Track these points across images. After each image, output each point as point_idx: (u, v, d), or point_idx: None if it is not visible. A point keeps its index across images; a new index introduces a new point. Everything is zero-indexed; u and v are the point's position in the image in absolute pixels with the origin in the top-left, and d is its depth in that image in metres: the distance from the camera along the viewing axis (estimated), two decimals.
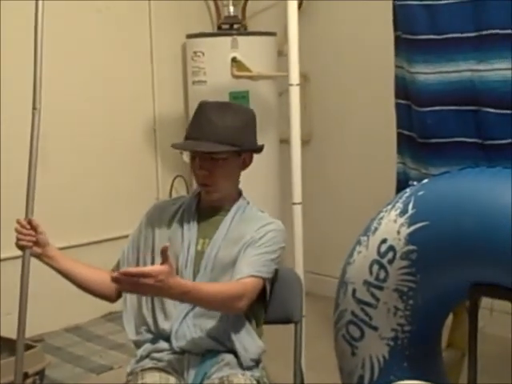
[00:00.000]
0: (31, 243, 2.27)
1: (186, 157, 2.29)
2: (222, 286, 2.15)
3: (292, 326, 2.38)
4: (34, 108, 2.45)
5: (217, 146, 2.18)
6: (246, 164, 2.30)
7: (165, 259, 1.94)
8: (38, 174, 4.31)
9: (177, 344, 2.20)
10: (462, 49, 2.54)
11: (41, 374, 3.36)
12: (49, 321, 4.03)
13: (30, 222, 2.28)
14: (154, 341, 2.25)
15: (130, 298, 2.31)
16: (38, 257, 2.30)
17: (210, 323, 2.21)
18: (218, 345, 2.21)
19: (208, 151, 2.19)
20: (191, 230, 2.27)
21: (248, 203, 2.34)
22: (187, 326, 2.21)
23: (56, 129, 4.06)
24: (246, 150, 2.26)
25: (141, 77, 4.53)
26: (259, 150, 2.32)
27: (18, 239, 2.28)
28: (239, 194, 2.35)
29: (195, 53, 4.41)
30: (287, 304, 2.38)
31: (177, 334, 2.20)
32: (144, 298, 2.28)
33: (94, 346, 3.94)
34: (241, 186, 2.36)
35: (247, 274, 2.15)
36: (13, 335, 3.35)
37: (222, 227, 2.25)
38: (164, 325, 2.23)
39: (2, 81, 3.85)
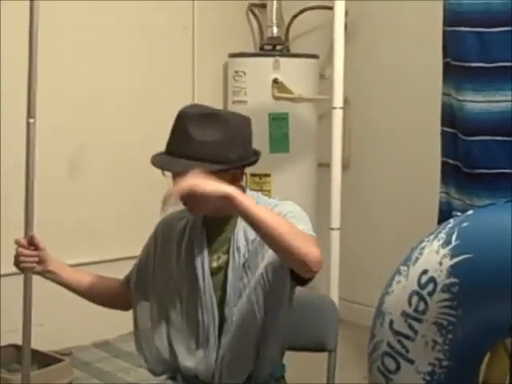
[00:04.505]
0: (34, 264, 2.08)
1: (165, 173, 1.94)
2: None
3: (322, 353, 2.29)
4: (29, 117, 2.13)
5: (191, 164, 1.84)
6: (236, 179, 1.96)
7: None
8: (77, 187, 4.29)
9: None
10: None
11: None
12: (78, 335, 4.01)
13: (31, 240, 2.08)
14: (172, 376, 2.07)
15: (141, 315, 2.10)
16: (39, 273, 2.12)
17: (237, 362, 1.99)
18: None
19: (178, 171, 1.86)
20: (202, 251, 2.01)
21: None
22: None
23: (95, 146, 4.11)
24: (230, 167, 1.92)
25: (181, 94, 4.51)
26: (250, 163, 1.99)
27: (21, 261, 2.07)
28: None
29: (237, 72, 4.40)
30: (321, 332, 2.30)
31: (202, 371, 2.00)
32: (159, 326, 2.05)
33: (122, 362, 3.90)
34: None
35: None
36: (44, 347, 3.36)
37: (236, 239, 1.98)
38: (186, 362, 2.00)
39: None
